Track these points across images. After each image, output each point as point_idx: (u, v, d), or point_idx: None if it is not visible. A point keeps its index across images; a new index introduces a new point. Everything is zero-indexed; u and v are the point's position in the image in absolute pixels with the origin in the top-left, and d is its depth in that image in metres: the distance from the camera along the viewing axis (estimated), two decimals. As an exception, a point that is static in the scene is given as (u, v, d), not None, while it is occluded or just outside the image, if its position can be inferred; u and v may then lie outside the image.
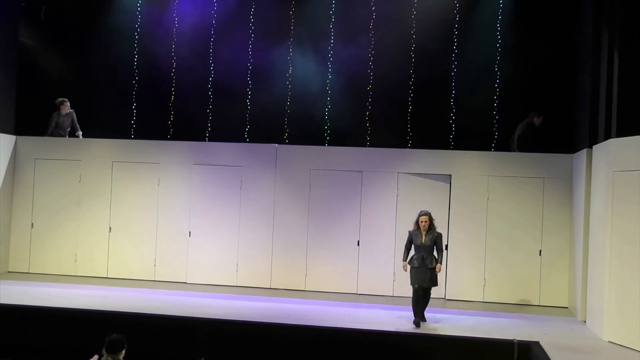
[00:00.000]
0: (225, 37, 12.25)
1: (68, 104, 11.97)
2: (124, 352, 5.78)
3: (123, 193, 11.65)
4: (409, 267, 8.93)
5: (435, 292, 10.57)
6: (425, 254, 8.78)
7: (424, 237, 8.83)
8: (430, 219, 8.89)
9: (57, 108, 11.95)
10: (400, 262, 10.77)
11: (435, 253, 8.82)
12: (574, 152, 10.58)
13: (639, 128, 8.24)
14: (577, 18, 10.85)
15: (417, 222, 8.95)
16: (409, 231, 9.08)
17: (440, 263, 8.83)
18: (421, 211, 9.03)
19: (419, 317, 8.74)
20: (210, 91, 12.34)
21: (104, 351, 5.72)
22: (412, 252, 8.99)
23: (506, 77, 11.42)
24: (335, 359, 8.20)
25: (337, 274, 11.04)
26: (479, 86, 11.52)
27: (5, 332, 8.59)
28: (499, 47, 11.46)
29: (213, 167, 11.47)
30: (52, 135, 11.97)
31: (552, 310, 10.27)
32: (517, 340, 7.89)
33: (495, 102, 11.43)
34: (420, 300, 8.83)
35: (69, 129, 12.06)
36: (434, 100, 11.70)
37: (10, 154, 11.88)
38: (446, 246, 10.60)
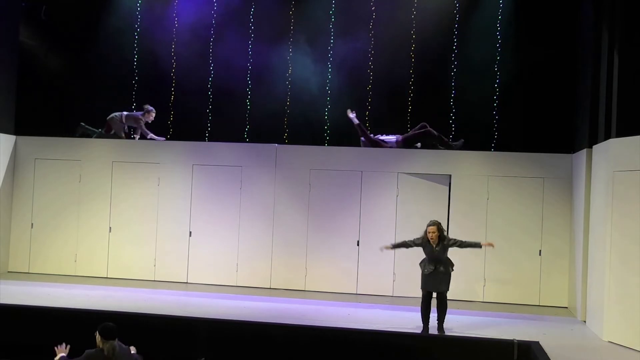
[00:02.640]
0: (225, 37, 12.25)
1: (154, 114, 11.82)
2: (116, 340, 5.80)
3: (123, 193, 11.66)
4: (389, 249, 8.71)
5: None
6: (437, 265, 8.29)
7: (434, 246, 8.30)
8: (440, 230, 8.32)
9: (142, 112, 11.77)
10: (401, 261, 10.86)
11: (460, 249, 8.40)
12: (574, 152, 10.59)
13: (639, 128, 8.24)
14: (577, 18, 10.85)
15: (425, 233, 8.35)
16: (416, 238, 8.49)
17: (451, 270, 8.39)
18: (430, 221, 8.41)
19: (427, 326, 8.39)
20: (210, 91, 12.34)
21: (99, 338, 5.74)
22: (422, 258, 8.52)
23: (506, 77, 11.41)
24: (335, 359, 8.20)
25: (337, 274, 11.04)
26: (479, 86, 11.52)
27: (5, 332, 8.58)
28: (499, 47, 11.46)
29: (213, 167, 11.48)
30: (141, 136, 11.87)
31: (552, 310, 10.28)
32: (517, 340, 7.88)
33: (495, 102, 11.43)
34: (430, 308, 8.39)
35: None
36: (434, 100, 11.70)
37: (10, 154, 11.89)
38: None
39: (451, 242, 8.39)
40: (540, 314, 9.91)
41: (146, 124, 11.79)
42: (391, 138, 11.21)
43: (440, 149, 11.00)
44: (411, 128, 11.63)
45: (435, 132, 10.99)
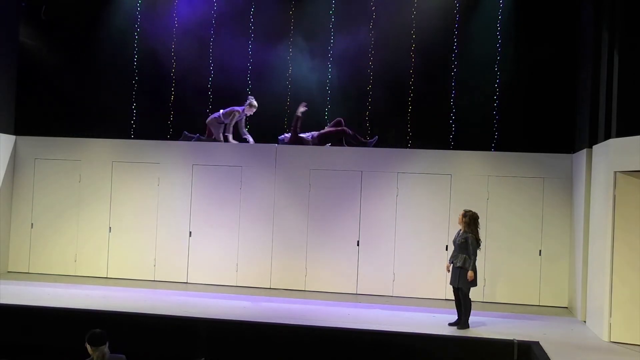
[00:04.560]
0: (225, 37, 12.25)
1: (255, 109, 11.50)
2: (107, 344, 5.76)
3: (123, 193, 11.65)
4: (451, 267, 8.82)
5: (434, 292, 10.65)
6: (455, 252, 8.72)
7: (459, 234, 8.76)
8: (467, 217, 8.65)
9: (244, 105, 11.44)
10: (400, 261, 10.89)
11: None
12: (574, 152, 10.59)
13: (639, 128, 8.24)
14: (578, 18, 10.85)
15: None
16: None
17: (468, 268, 8.49)
18: None
19: (458, 318, 8.71)
20: (210, 91, 12.33)
21: (89, 347, 5.70)
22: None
23: (506, 77, 11.41)
24: (335, 359, 8.20)
25: (337, 274, 11.04)
26: (479, 86, 11.51)
27: (5, 332, 8.59)
28: (499, 47, 11.45)
29: (213, 167, 11.47)
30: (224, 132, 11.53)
31: (552, 310, 10.28)
32: (517, 340, 7.89)
33: (496, 102, 11.43)
34: (459, 301, 8.73)
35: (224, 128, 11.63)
36: (434, 100, 11.69)
37: (10, 154, 11.89)
38: (446, 246, 10.62)
39: (466, 237, 8.57)
40: (540, 314, 9.91)
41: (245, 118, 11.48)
42: (308, 135, 11.41)
43: (359, 145, 11.22)
44: (411, 128, 11.66)
45: (349, 130, 11.21)
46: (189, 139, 11.70)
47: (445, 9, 11.67)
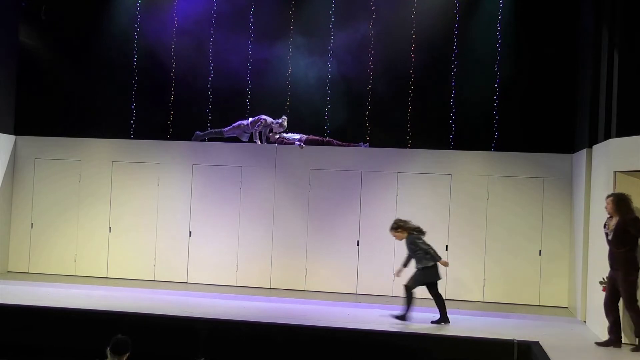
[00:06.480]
0: (225, 36, 12.25)
1: (281, 130, 11.54)
2: (128, 354, 5.75)
3: (123, 193, 11.66)
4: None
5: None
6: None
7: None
8: (396, 229, 9.07)
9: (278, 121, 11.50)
10: (400, 262, 10.88)
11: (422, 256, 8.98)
12: (574, 152, 10.59)
13: (639, 128, 8.24)
14: (578, 18, 10.85)
15: None
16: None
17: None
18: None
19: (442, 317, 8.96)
20: (210, 91, 12.33)
21: (108, 351, 5.70)
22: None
23: (506, 77, 11.41)
24: (335, 359, 8.20)
25: (337, 274, 11.05)
26: (479, 86, 11.51)
27: (5, 332, 8.58)
28: (499, 47, 11.45)
29: (213, 167, 11.48)
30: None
31: (552, 310, 10.28)
32: (517, 340, 7.88)
33: (496, 102, 11.42)
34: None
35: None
36: (434, 100, 11.69)
37: (10, 154, 11.89)
38: (446, 246, 10.65)
39: (413, 240, 8.99)
40: (540, 314, 9.91)
41: (270, 131, 11.52)
42: (295, 136, 11.49)
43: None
44: (411, 128, 11.65)
45: (335, 142, 11.40)
46: (201, 138, 11.71)
47: (445, 8, 11.66)
